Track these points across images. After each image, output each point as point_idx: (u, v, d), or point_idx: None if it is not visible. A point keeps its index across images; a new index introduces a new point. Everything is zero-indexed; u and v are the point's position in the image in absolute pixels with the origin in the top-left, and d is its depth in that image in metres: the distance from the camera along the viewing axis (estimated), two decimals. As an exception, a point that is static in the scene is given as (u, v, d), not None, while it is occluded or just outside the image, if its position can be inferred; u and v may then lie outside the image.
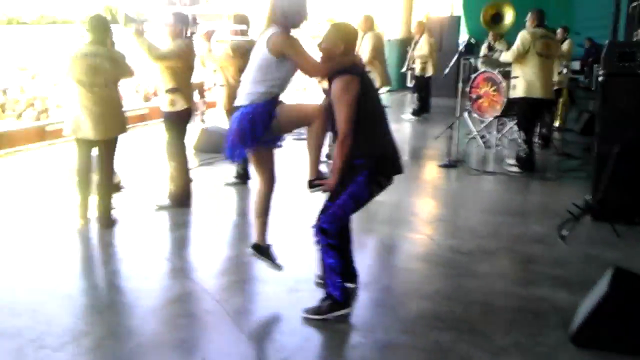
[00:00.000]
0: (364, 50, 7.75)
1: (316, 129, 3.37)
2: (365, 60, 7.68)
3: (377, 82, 7.56)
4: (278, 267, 3.65)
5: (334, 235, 3.22)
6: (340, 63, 3.22)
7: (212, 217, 5.20)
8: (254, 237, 3.69)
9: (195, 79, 8.82)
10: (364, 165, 3.18)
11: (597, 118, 5.13)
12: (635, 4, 9.97)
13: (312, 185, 3.37)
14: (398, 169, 3.36)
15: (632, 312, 2.90)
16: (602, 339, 2.94)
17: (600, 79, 5.14)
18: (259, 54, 3.34)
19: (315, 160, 3.43)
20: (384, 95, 11.00)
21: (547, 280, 3.84)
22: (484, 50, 7.42)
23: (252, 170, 6.14)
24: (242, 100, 3.39)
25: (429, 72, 10.76)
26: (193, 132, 7.47)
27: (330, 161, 3.57)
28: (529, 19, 6.71)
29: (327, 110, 3.25)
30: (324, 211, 3.24)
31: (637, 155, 4.76)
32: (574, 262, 4.18)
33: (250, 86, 3.37)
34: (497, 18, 7.62)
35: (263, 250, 3.64)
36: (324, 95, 3.63)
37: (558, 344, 3.02)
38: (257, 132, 3.32)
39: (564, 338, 3.05)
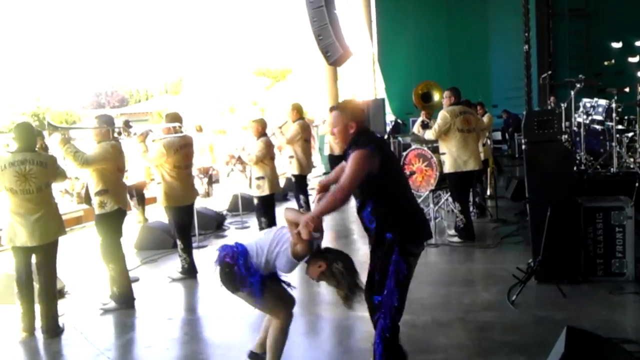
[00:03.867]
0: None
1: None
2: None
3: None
4: None
5: (394, 331, 3.24)
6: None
7: (160, 316, 5.03)
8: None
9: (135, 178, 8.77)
10: (394, 239, 3.15)
11: (527, 184, 5.37)
12: (544, 75, 10.82)
13: None
14: (427, 234, 3.39)
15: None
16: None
17: (523, 147, 5.45)
18: None
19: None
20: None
21: (504, 347, 3.89)
22: (417, 126, 7.69)
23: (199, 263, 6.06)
24: None
25: None
26: (133, 230, 7.34)
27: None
28: (445, 97, 7.10)
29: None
30: (377, 308, 3.22)
31: (568, 215, 5.00)
32: (526, 326, 4.26)
33: None
34: (426, 97, 8.00)
35: None
36: None
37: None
38: None
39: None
